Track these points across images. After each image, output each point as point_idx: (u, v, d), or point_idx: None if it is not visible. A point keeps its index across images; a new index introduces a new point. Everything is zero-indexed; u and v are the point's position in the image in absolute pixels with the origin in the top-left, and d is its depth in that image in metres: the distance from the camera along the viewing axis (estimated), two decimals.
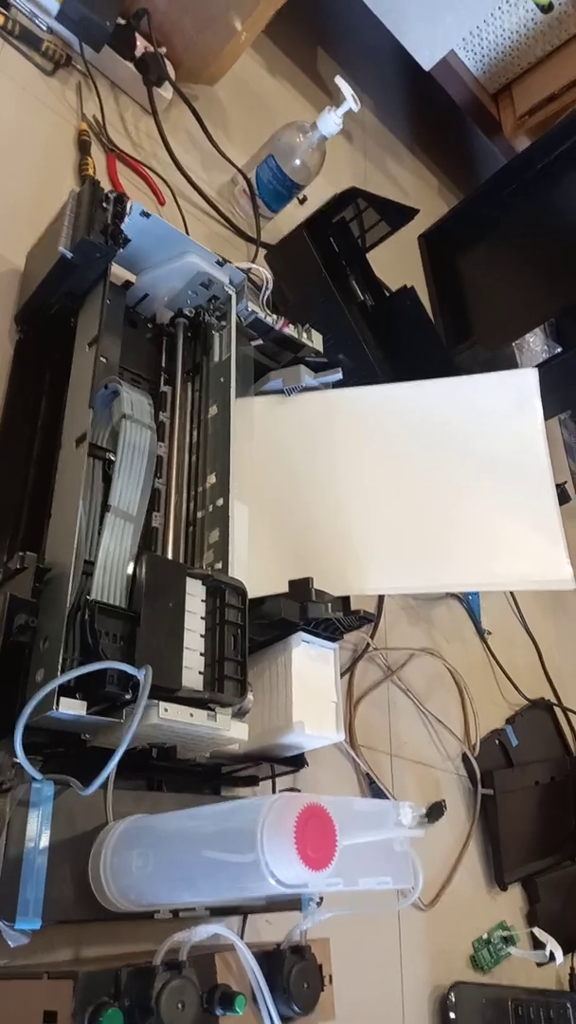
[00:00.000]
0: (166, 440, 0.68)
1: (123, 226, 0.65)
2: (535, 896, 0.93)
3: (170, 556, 0.62)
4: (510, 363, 1.40)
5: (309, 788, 0.73)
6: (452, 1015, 0.74)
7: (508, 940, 0.86)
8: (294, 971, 0.46)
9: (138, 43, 0.92)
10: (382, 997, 0.71)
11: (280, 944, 0.47)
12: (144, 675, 0.45)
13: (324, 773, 0.75)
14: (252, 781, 0.67)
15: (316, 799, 0.38)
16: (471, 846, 0.87)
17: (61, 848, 0.44)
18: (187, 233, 0.91)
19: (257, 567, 0.65)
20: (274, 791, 0.65)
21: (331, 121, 0.92)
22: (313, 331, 0.78)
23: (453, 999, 0.75)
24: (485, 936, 0.84)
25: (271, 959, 0.47)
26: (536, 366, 1.34)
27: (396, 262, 1.23)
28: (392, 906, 0.43)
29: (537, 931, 0.88)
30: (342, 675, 0.82)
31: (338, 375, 0.74)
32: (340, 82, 0.91)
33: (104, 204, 0.64)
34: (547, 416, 0.75)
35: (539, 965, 0.89)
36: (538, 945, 0.87)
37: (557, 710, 1.11)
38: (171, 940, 0.41)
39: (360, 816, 0.42)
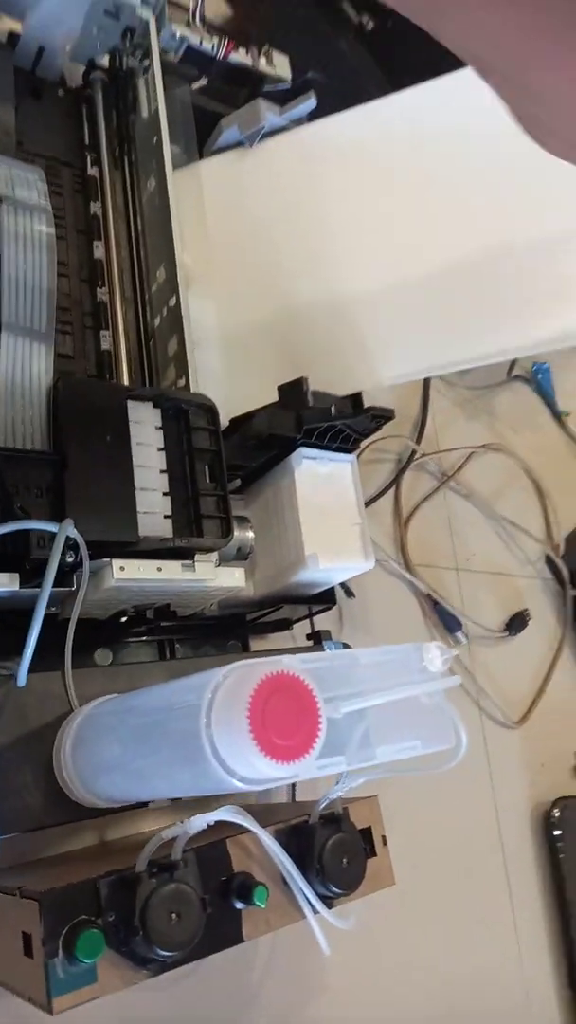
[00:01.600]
0: (103, 237, 0.54)
1: None
2: None
3: (126, 381, 0.50)
4: None
5: (360, 621, 0.64)
6: (557, 832, 0.68)
7: None
8: (328, 846, 0.38)
9: None
10: (473, 825, 0.65)
11: (309, 816, 0.39)
12: (59, 530, 0.34)
13: (377, 602, 0.65)
14: (284, 625, 0.58)
15: (283, 664, 0.27)
16: (565, 653, 0.77)
17: (18, 747, 0.36)
18: None
19: (241, 379, 0.52)
20: (312, 633, 0.56)
21: None
22: (275, 52, 0.59)
23: (557, 814, 0.69)
24: None
25: (300, 835, 0.39)
26: None
27: None
28: (437, 766, 0.33)
29: None
30: (385, 491, 0.70)
31: (311, 103, 0.55)
32: None
33: None
34: None
35: None
36: None
37: None
38: (157, 839, 0.33)
39: (370, 671, 0.32)
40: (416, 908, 0.58)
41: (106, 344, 0.52)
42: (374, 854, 0.42)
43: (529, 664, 0.75)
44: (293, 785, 0.53)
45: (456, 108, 0.52)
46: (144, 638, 0.50)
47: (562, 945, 0.65)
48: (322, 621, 0.58)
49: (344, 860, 0.38)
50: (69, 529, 0.35)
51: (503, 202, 0.50)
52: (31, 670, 0.37)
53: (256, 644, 0.57)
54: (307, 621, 0.58)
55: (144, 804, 0.40)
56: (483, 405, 0.83)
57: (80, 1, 0.52)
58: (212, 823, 0.34)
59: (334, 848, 0.38)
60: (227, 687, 0.27)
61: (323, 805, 0.39)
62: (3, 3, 0.52)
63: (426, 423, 0.75)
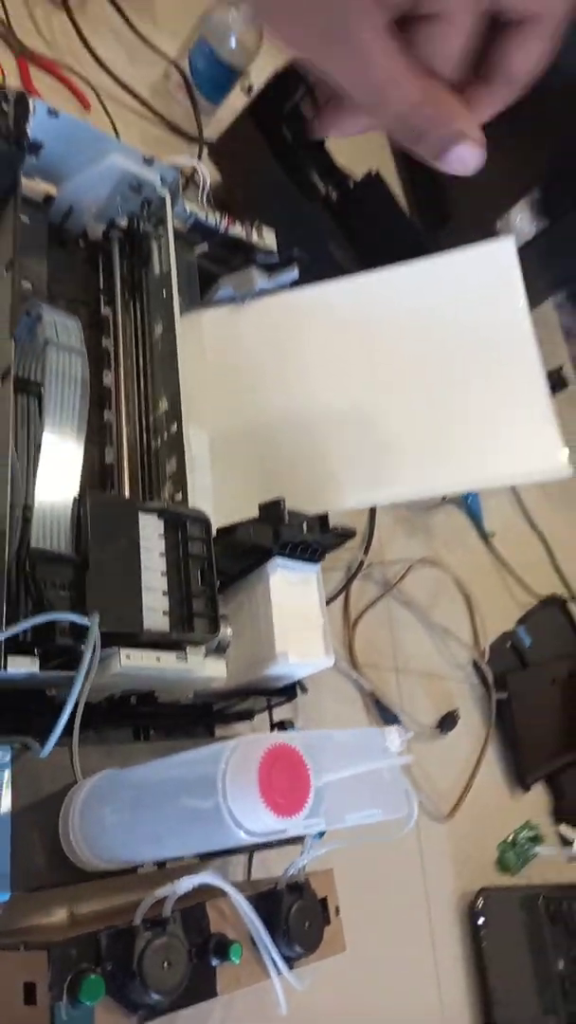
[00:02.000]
0: (112, 368, 0.62)
1: (29, 129, 0.58)
2: (559, 792, 0.92)
3: (127, 492, 0.58)
4: None
5: (311, 715, 0.70)
6: (481, 920, 0.74)
7: (534, 840, 0.84)
8: (293, 910, 0.44)
9: None
10: (406, 913, 0.71)
11: (277, 884, 0.45)
12: (91, 622, 0.41)
13: (326, 698, 0.72)
14: (247, 715, 0.64)
15: (283, 738, 0.34)
16: (489, 752, 0.85)
17: (27, 813, 0.41)
18: (118, 138, 0.82)
19: (225, 496, 0.60)
20: (271, 723, 0.62)
21: None
22: (264, 228, 0.71)
23: (481, 904, 0.75)
24: (510, 838, 0.83)
25: (268, 900, 0.44)
26: (525, 244, 1.24)
27: (360, 147, 1.13)
28: (390, 835, 0.40)
29: (563, 828, 0.87)
30: (335, 596, 0.78)
31: (294, 274, 0.67)
32: None
33: (3, 105, 0.57)
34: (541, 297, 0.68)
35: (570, 860, 0.88)
36: (566, 842, 0.86)
37: (571, 605, 1.08)
38: (152, 896, 0.38)
39: (342, 748, 0.39)
40: (354, 981, 0.63)
41: (110, 458, 0.59)
42: (329, 922, 0.47)
43: (458, 761, 0.82)
44: (250, 863, 0.58)
45: (412, 291, 0.65)
46: (124, 721, 0.55)
47: None
48: (279, 712, 0.65)
49: (307, 924, 0.44)
50: (96, 621, 0.41)
51: (452, 366, 0.62)
52: (38, 743, 0.43)
53: (220, 732, 0.63)
54: (266, 712, 0.65)
55: (134, 869, 0.44)
56: (421, 524, 0.93)
57: (110, 177, 0.63)
58: (197, 885, 0.39)
59: (298, 912, 0.44)
60: (238, 755, 0.33)
61: (290, 873, 0.45)
62: (44, 171, 0.62)
63: (373, 537, 0.84)
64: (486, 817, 0.82)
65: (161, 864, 0.45)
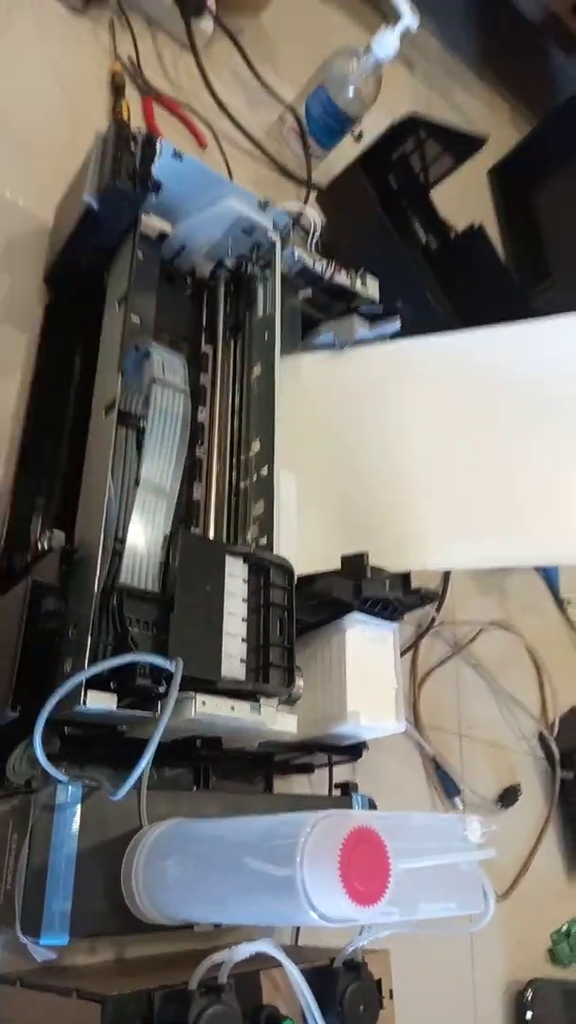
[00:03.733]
0: (207, 405, 0.63)
1: (153, 169, 0.59)
2: None
3: (212, 531, 0.57)
4: None
5: (369, 774, 0.68)
6: (529, 1014, 0.70)
7: None
8: (349, 991, 0.42)
9: None
10: (452, 996, 0.67)
11: (333, 960, 0.43)
12: (175, 668, 0.40)
13: (386, 757, 0.70)
14: (307, 769, 0.63)
15: (365, 819, 0.33)
16: (549, 832, 0.81)
17: (91, 854, 0.40)
18: (231, 178, 0.84)
19: (307, 542, 0.59)
20: (330, 781, 0.61)
21: (387, 42, 0.83)
22: (368, 277, 0.71)
23: (530, 997, 0.70)
24: (564, 928, 0.79)
25: (324, 976, 0.42)
26: None
27: (463, 200, 1.13)
28: (460, 928, 0.37)
29: None
30: (404, 652, 0.76)
31: (396, 325, 0.67)
32: None
33: (131, 146, 0.59)
34: None
35: None
36: None
37: None
38: (208, 961, 0.37)
39: (419, 833, 0.37)
40: None
41: (197, 495, 0.59)
42: (381, 1006, 0.45)
43: (516, 840, 0.79)
44: (296, 931, 0.56)
45: (512, 353, 0.64)
46: (187, 762, 0.55)
47: None
48: (338, 770, 0.63)
49: (361, 1007, 0.42)
50: (180, 668, 0.41)
51: (549, 436, 0.60)
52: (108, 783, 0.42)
53: (278, 782, 0.61)
54: (325, 769, 0.63)
55: (190, 926, 0.43)
56: (495, 583, 0.90)
57: (224, 219, 0.64)
58: (253, 953, 0.38)
59: (354, 994, 0.42)
60: (318, 834, 0.32)
61: (349, 951, 0.43)
62: (161, 209, 0.63)
63: (446, 593, 0.82)
64: (541, 902, 0.78)
65: (217, 924, 0.44)
